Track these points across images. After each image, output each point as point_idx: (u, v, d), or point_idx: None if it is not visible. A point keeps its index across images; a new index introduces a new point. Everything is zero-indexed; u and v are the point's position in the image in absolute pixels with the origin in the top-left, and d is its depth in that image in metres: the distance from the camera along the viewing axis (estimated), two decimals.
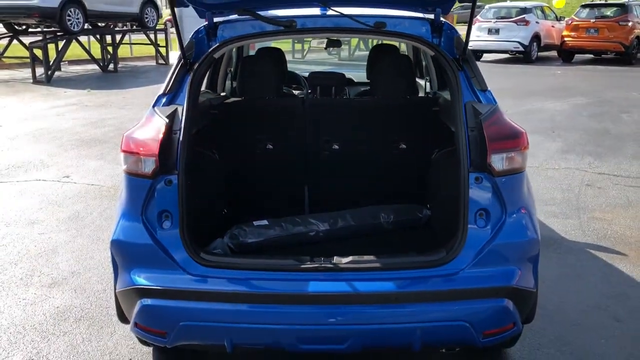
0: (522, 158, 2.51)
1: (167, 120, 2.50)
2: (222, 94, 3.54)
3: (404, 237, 3.08)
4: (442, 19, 2.94)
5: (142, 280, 2.43)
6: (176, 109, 2.60)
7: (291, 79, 4.53)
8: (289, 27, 2.81)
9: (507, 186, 2.46)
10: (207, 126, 3.19)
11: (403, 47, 4.93)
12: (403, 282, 2.39)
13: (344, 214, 3.11)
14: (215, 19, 2.97)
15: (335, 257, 2.46)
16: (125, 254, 2.53)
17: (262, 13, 2.87)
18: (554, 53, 19.30)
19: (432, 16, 2.94)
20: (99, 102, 11.16)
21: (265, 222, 2.98)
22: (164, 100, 2.70)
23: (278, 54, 3.54)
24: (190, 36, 2.93)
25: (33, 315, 3.54)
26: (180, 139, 2.51)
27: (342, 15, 2.80)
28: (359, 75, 4.33)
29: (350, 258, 2.45)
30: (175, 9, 2.66)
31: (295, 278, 2.41)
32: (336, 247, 2.89)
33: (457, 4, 3.05)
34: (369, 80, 3.94)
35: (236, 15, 2.94)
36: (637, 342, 3.23)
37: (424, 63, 4.43)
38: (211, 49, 2.79)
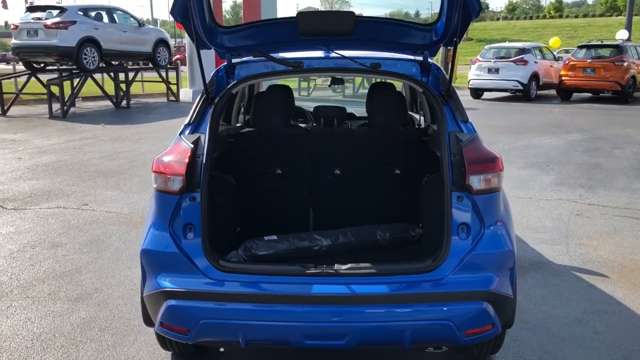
0: (498, 179, 2.89)
1: (192, 146, 2.91)
2: (238, 124, 3.98)
3: (398, 253, 3.43)
4: (429, 60, 3.38)
5: (168, 283, 2.78)
6: (199, 137, 3.01)
7: (298, 113, 4.96)
8: (296, 67, 3.25)
9: (484, 203, 2.84)
10: (224, 153, 3.59)
11: (399, 85, 5.38)
12: (395, 285, 2.75)
13: (345, 231, 3.48)
14: (234, 60, 3.42)
15: (335, 264, 2.83)
16: (153, 262, 2.89)
17: (273, 55, 3.31)
18: (553, 92, 19.85)
19: (421, 58, 3.37)
20: (113, 136, 11.64)
21: (274, 237, 3.35)
22: (189, 129, 3.11)
23: (286, 90, 3.98)
24: (210, 74, 3.38)
25: (62, 325, 3.89)
26: (203, 162, 2.90)
27: (343, 57, 3.24)
28: (361, 110, 4.76)
29: (349, 265, 2.82)
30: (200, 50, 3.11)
31: (301, 281, 2.77)
32: (337, 259, 3.26)
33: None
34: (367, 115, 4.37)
35: (251, 57, 3.39)
36: (613, 351, 3.55)
37: (418, 100, 4.87)
38: (230, 85, 3.22)
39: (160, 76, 18.30)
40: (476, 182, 2.80)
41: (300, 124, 5.06)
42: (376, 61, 3.26)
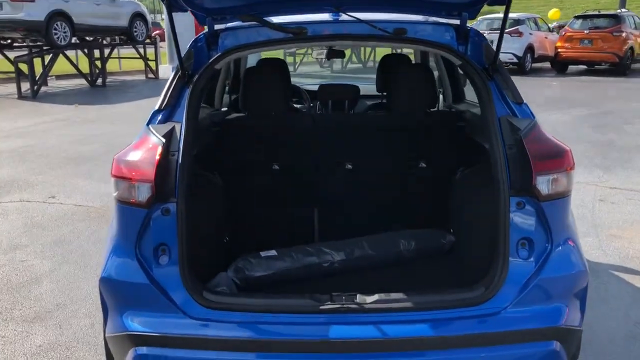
0: (568, 179, 2.23)
1: (164, 140, 2.20)
2: (223, 109, 3.24)
3: (429, 267, 2.78)
4: (468, 24, 2.66)
5: (136, 325, 2.12)
6: (173, 127, 2.30)
7: (293, 93, 4.24)
8: (298, 35, 2.51)
9: (553, 212, 2.18)
10: (208, 145, 2.89)
11: (410, 55, 4.65)
12: (438, 324, 2.09)
13: (360, 241, 2.81)
14: (217, 26, 2.67)
15: (358, 296, 2.15)
16: (116, 294, 2.21)
17: (267, 19, 2.57)
18: (547, 64, 19.22)
19: (457, 21, 2.66)
20: (87, 117, 10.83)
21: (273, 252, 2.67)
22: (159, 117, 2.40)
23: (281, 65, 3.26)
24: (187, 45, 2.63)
25: (12, 356, 3.18)
26: (179, 161, 2.20)
27: (359, 20, 2.51)
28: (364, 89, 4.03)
29: (375, 297, 2.14)
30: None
31: (314, 321, 2.10)
32: (354, 280, 2.60)
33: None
34: (380, 93, 3.65)
35: (240, 21, 2.64)
36: None
37: (436, 74, 4.16)
38: (212, 59, 2.49)
39: (138, 52, 17.37)
40: (544, 184, 2.14)
41: (295, 105, 4.34)
42: (400, 26, 2.53)
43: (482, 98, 2.40)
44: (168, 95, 2.43)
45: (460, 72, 3.83)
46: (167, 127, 2.31)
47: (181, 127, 2.31)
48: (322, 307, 2.10)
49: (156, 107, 2.43)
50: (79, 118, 10.77)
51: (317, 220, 3.14)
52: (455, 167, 2.97)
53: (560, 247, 2.19)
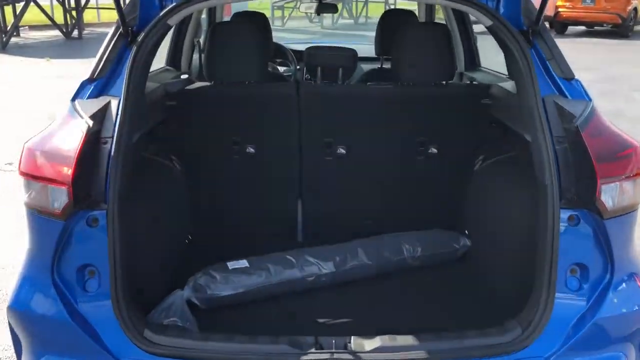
0: (636, 188, 1.67)
1: (91, 123, 1.62)
2: (184, 76, 2.61)
3: (440, 281, 2.24)
4: None
5: None
6: (108, 104, 1.72)
7: (275, 53, 3.60)
8: None
9: (616, 231, 1.65)
10: (162, 124, 2.30)
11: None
12: None
13: (354, 246, 2.26)
14: None
15: (352, 340, 1.61)
16: (29, 331, 1.66)
17: None
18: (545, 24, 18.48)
19: None
20: (58, 72, 10.07)
21: (244, 263, 2.11)
22: (91, 89, 1.80)
23: (261, 20, 2.63)
24: None
25: None
26: (112, 151, 1.62)
27: None
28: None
29: (377, 342, 1.60)
30: None
31: None
32: (345, 300, 2.07)
33: None
34: (379, 57, 3.04)
35: None
36: None
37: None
38: (164, 12, 1.87)
39: (117, 1, 16.36)
40: (609, 194, 1.58)
41: (278, 67, 3.70)
42: None
43: (519, 71, 1.82)
44: (103, 60, 1.82)
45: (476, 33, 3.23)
46: (99, 103, 1.72)
47: (119, 103, 1.71)
48: (303, 357, 1.56)
49: (87, 76, 1.82)
50: (50, 73, 10.03)
51: (301, 217, 2.58)
52: (474, 155, 2.41)
53: (622, 278, 1.66)
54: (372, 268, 2.25)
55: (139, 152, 2.17)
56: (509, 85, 2.22)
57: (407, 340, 1.63)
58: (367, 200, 2.55)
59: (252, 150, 2.43)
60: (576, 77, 1.87)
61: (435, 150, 2.43)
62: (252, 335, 1.66)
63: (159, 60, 3.41)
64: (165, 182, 2.27)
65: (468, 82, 2.66)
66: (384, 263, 2.27)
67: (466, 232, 2.43)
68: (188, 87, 2.35)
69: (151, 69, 3.01)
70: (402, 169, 2.48)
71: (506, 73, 3.08)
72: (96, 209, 1.61)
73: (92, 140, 1.63)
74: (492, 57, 3.61)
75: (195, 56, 3.51)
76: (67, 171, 1.55)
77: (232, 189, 2.54)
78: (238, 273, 2.06)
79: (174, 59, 3.27)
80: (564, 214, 1.63)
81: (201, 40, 3.42)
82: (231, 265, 2.09)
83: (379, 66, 3.12)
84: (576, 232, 1.64)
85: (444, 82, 2.37)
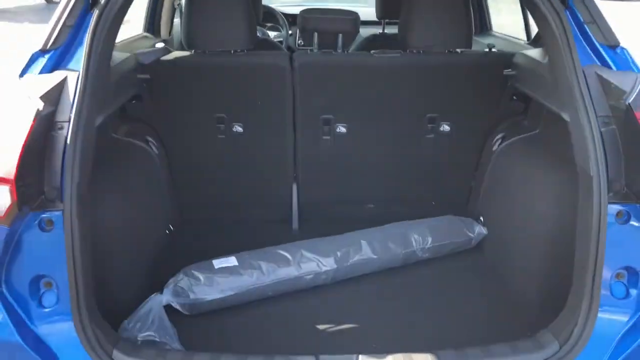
0: None
1: (43, 104, 1.33)
2: (159, 45, 2.28)
3: (454, 276, 2.00)
4: None
5: None
6: (64, 80, 1.43)
7: (265, 17, 3.27)
8: None
9: None
10: (135, 101, 2.00)
11: None
12: None
13: (356, 239, 2.00)
14: None
15: (360, 359, 1.36)
16: None
17: None
18: None
19: None
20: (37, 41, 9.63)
21: (232, 260, 1.85)
22: (44, 62, 1.49)
23: None
24: None
25: None
26: (68, 139, 1.34)
27: None
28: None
29: None
30: None
31: None
32: (349, 306, 1.82)
33: None
34: (379, 20, 2.73)
35: None
36: None
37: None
38: None
39: None
40: None
41: (269, 32, 3.38)
42: None
43: (552, 36, 1.53)
44: (59, 26, 1.51)
45: None
46: (54, 79, 1.42)
47: (78, 79, 1.41)
48: None
49: (39, 47, 1.52)
50: (27, 42, 9.58)
51: (297, 203, 2.30)
52: (492, 134, 2.13)
53: None
54: (378, 263, 1.99)
55: (106, 136, 1.89)
56: (535, 53, 1.93)
57: (424, 358, 1.38)
58: (370, 184, 2.27)
59: (239, 129, 2.13)
60: (622, 44, 1.59)
61: (447, 128, 2.14)
62: (242, 355, 1.41)
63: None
64: (140, 168, 1.98)
65: (486, 49, 2.35)
66: (390, 257, 2.00)
67: (481, 218, 2.17)
68: (164, 58, 2.04)
69: (127, 36, 2.70)
70: (409, 149, 2.19)
71: (523, 38, 2.79)
72: (50, 209, 1.33)
73: (44, 126, 1.33)
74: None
75: (177, 21, 3.18)
76: (10, 165, 1.26)
77: (218, 173, 2.25)
78: (225, 273, 1.78)
79: (152, 24, 2.95)
80: (611, 209, 1.37)
81: (182, 3, 3.08)
82: (217, 263, 1.82)
83: (381, 31, 2.80)
84: (625, 230, 1.38)
85: (458, 50, 2.07)
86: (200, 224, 2.30)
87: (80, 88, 1.41)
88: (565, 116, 1.49)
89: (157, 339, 1.55)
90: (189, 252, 2.08)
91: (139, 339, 1.54)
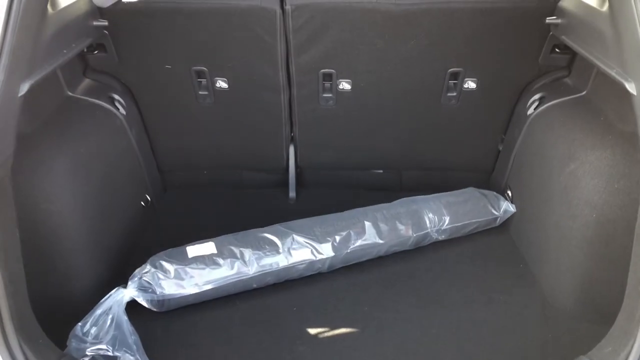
0: None
1: None
2: None
3: (477, 264, 1.70)
4: None
5: None
6: None
7: None
8: None
9: None
10: (96, 52, 1.68)
11: None
12: None
13: (358, 219, 1.69)
14: None
15: None
16: None
17: None
18: None
19: None
20: None
21: (210, 247, 1.56)
22: None
23: None
24: None
25: None
26: None
27: None
28: None
29: None
30: None
31: None
32: (350, 304, 1.54)
33: None
34: None
35: None
36: None
37: None
38: None
39: None
40: None
41: None
42: None
43: None
44: None
45: None
46: None
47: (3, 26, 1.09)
48: None
49: None
50: None
51: (293, 169, 2.00)
52: (528, 95, 1.77)
53: None
54: (384, 247, 1.69)
55: (58, 95, 1.58)
56: None
57: None
58: (378, 147, 1.94)
59: (223, 84, 1.80)
60: None
61: (473, 85, 1.78)
62: None
63: None
64: (104, 133, 1.67)
65: None
66: (399, 240, 1.70)
67: (509, 193, 1.84)
68: (126, 0, 1.69)
69: None
70: (426, 110, 1.84)
71: None
72: None
73: None
74: None
75: None
76: None
77: (200, 137, 1.94)
78: (200, 264, 1.50)
79: None
80: None
81: None
82: (192, 251, 1.53)
83: None
84: None
85: None
86: (183, 194, 2.03)
87: (8, 40, 1.08)
88: (630, 87, 1.13)
89: (110, 353, 1.28)
90: (169, 228, 1.83)
91: (87, 353, 1.27)
